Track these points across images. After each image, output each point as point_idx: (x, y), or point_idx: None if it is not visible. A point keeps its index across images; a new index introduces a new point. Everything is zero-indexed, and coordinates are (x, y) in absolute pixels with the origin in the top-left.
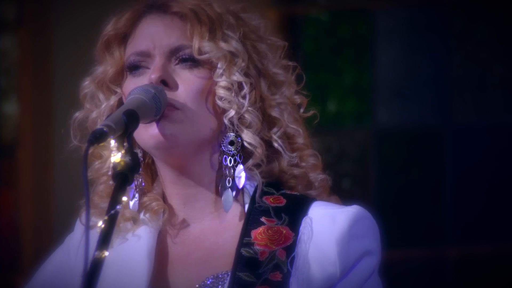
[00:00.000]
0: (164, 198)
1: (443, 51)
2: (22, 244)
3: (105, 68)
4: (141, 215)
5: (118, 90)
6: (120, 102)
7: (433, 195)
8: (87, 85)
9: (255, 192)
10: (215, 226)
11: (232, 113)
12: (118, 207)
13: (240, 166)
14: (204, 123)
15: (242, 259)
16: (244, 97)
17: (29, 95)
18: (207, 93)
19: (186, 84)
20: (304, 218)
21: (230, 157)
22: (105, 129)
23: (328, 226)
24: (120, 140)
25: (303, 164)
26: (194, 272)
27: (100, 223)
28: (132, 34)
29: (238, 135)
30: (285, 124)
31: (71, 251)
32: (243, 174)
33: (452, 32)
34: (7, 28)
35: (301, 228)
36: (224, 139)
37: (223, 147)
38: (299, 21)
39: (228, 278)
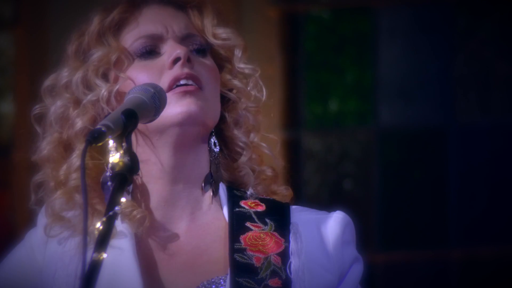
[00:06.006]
0: (136, 199)
1: (446, 50)
2: None
3: (105, 52)
4: (118, 224)
5: (122, 75)
6: (117, 90)
7: (437, 196)
8: (68, 74)
9: (232, 196)
10: (194, 229)
11: (244, 105)
12: (116, 208)
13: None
14: (217, 110)
15: (238, 265)
16: (253, 89)
17: (25, 94)
18: (217, 82)
19: (204, 69)
20: (291, 224)
21: (216, 159)
22: (103, 129)
23: (320, 232)
24: (119, 140)
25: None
26: (180, 276)
27: (98, 225)
28: (132, 21)
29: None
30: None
31: (35, 248)
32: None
33: (455, 30)
34: (4, 26)
35: (291, 234)
36: (211, 137)
37: (212, 147)
38: (300, 19)
39: (227, 283)
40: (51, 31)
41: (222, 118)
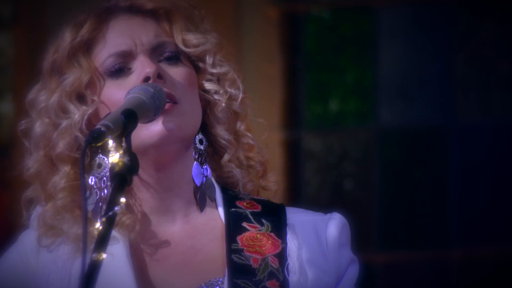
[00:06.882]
0: (128, 206)
1: (447, 50)
2: None
3: (77, 76)
4: None
5: (95, 98)
6: (96, 111)
7: (437, 196)
8: (46, 97)
9: (227, 196)
10: (189, 230)
11: (222, 105)
12: (116, 208)
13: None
14: (196, 117)
15: (236, 266)
16: (230, 87)
17: (25, 94)
18: (194, 87)
19: (177, 79)
20: (287, 226)
21: (201, 157)
22: (102, 129)
23: (317, 234)
24: (118, 140)
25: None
26: (176, 277)
27: (98, 225)
28: (100, 38)
29: (204, 133)
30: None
31: (29, 251)
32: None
33: (456, 30)
34: (3, 26)
35: (288, 236)
36: (197, 134)
37: (198, 145)
38: (300, 19)
39: (225, 285)
40: (51, 30)
41: (205, 115)
